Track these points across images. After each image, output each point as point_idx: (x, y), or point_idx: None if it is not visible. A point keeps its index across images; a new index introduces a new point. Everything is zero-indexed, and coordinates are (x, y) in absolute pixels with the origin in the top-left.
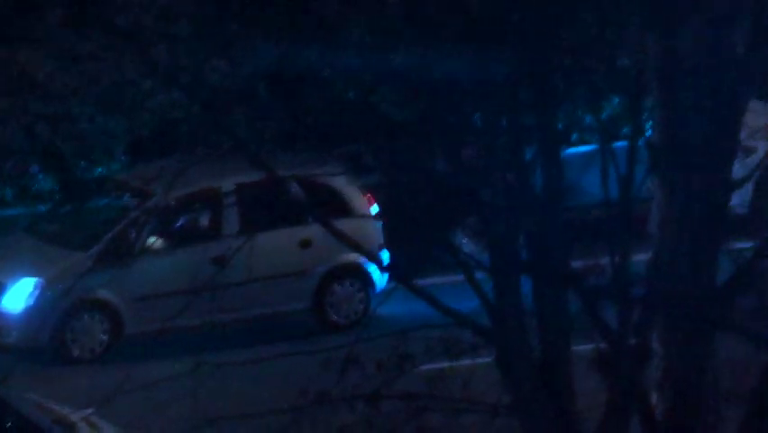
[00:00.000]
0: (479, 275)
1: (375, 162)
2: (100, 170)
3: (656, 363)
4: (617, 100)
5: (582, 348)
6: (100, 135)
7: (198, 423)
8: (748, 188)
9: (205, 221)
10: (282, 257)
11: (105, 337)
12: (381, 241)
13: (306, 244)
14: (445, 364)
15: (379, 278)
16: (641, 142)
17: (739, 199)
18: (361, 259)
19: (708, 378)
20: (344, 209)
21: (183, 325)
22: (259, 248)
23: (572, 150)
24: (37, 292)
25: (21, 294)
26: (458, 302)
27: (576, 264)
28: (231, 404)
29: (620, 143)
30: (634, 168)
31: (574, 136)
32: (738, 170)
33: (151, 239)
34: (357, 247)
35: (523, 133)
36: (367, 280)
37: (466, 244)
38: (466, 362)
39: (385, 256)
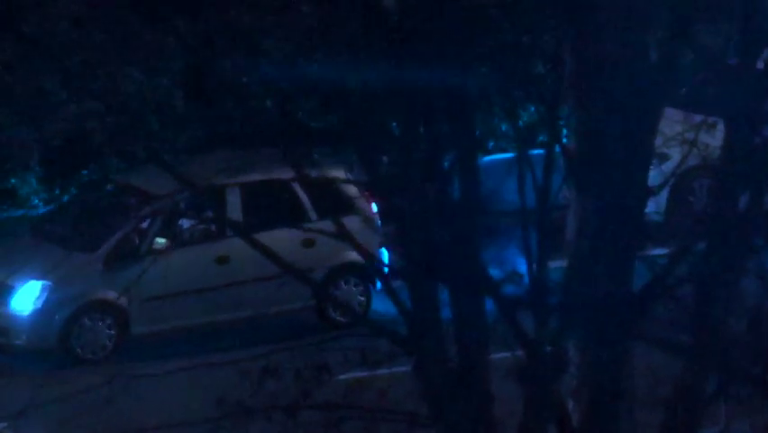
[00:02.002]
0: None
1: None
2: (14, 181)
3: (573, 370)
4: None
5: (500, 356)
6: (13, 146)
7: None
8: (664, 195)
9: (209, 221)
10: (285, 256)
11: (111, 338)
12: (380, 240)
13: (309, 243)
14: (363, 374)
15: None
16: (557, 150)
17: (655, 206)
18: None
19: (623, 385)
20: (347, 208)
21: (189, 324)
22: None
23: (490, 157)
24: (45, 295)
25: (29, 296)
26: None
27: (494, 272)
28: (148, 415)
29: (537, 151)
30: (550, 175)
31: (491, 144)
32: (654, 177)
33: (158, 240)
34: (358, 247)
35: (440, 140)
36: (368, 278)
37: (384, 251)
38: (384, 371)
39: (384, 255)
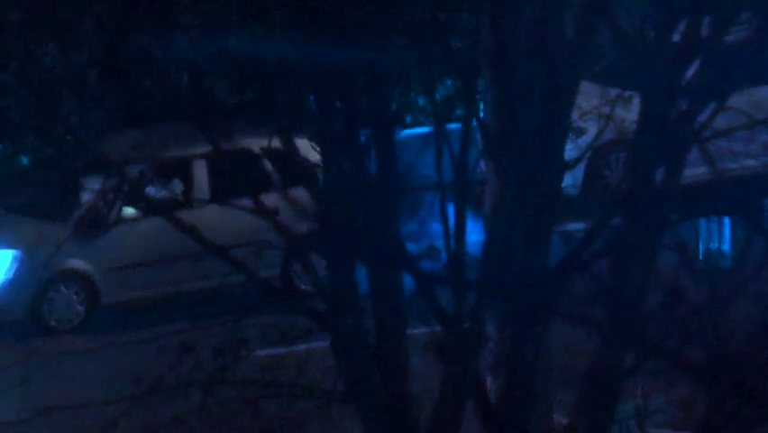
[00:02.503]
0: None
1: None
2: None
3: (491, 346)
4: (450, 82)
5: (417, 332)
6: None
7: (30, 414)
8: (580, 170)
9: (176, 190)
10: (251, 226)
11: (81, 308)
12: None
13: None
14: (281, 350)
15: None
16: (474, 124)
17: (571, 181)
18: None
19: (541, 362)
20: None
21: (158, 294)
22: (229, 217)
23: (407, 132)
24: (16, 264)
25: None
26: None
27: (411, 247)
28: (64, 394)
29: (454, 125)
30: (468, 150)
31: (408, 118)
32: (570, 151)
33: (126, 209)
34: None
35: (357, 115)
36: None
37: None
38: (302, 347)
39: None
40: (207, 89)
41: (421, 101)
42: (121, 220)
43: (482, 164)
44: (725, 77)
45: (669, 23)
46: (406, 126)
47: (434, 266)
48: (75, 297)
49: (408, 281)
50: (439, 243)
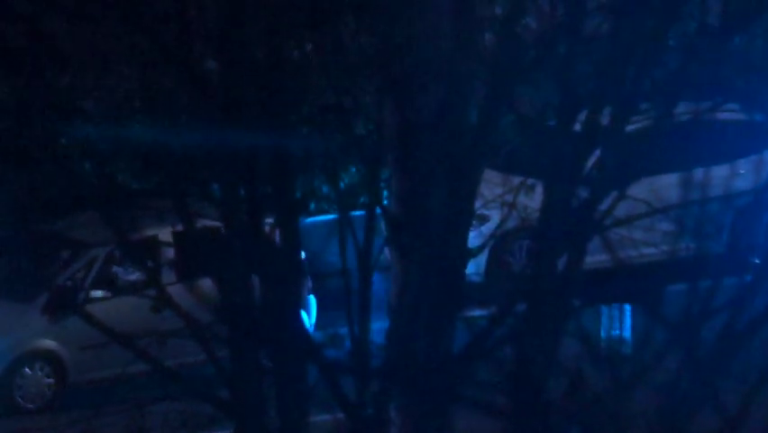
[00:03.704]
0: None
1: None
2: None
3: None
4: (354, 169)
5: (320, 419)
6: None
7: None
8: (483, 257)
9: (146, 269)
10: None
11: (50, 387)
12: (309, 286)
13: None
14: None
15: (309, 321)
16: (378, 211)
17: (475, 268)
18: None
19: None
20: None
21: (125, 373)
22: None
23: (312, 219)
24: None
25: None
26: None
27: (315, 334)
28: None
29: (358, 213)
30: (372, 237)
31: (312, 206)
32: (473, 238)
33: (94, 289)
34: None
35: (260, 202)
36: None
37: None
38: None
39: (312, 301)
40: (110, 175)
41: (325, 188)
42: (89, 300)
43: (386, 251)
44: (625, 165)
45: (570, 112)
46: (310, 214)
47: (337, 353)
48: (44, 376)
49: (312, 368)
50: (343, 330)
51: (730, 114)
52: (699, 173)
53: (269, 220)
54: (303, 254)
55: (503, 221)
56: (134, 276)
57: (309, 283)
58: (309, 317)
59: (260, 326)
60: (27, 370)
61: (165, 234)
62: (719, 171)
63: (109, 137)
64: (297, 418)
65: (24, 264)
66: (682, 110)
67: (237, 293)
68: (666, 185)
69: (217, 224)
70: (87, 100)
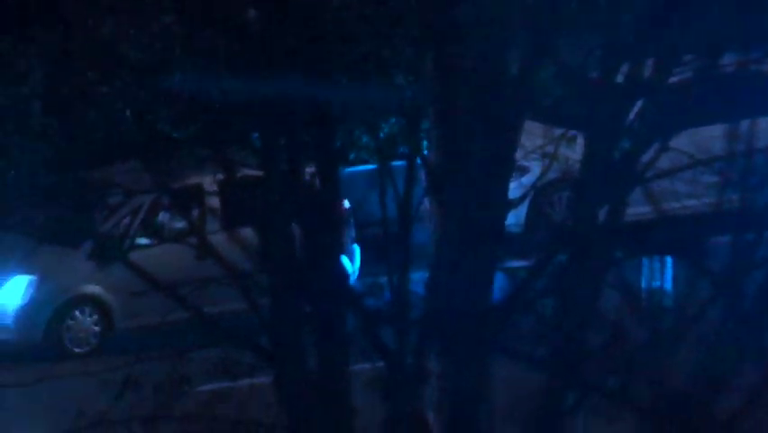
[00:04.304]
0: None
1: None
2: None
3: (434, 383)
4: (393, 120)
5: (360, 367)
6: None
7: None
8: (523, 208)
9: (190, 217)
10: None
11: (97, 332)
12: (353, 235)
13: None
14: (224, 385)
15: (352, 270)
16: (418, 162)
17: (515, 219)
18: None
19: (484, 398)
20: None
21: (172, 319)
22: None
23: (352, 169)
24: (31, 289)
25: (15, 291)
26: None
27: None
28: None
29: (398, 163)
30: (412, 187)
31: (352, 155)
32: (514, 189)
33: (140, 235)
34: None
35: (301, 151)
36: None
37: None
38: (245, 382)
39: (357, 250)
40: (151, 124)
41: (365, 138)
42: (135, 246)
43: (426, 202)
44: (667, 117)
45: (612, 63)
46: (351, 163)
47: (377, 303)
48: (91, 322)
49: (352, 317)
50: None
51: None
52: (743, 125)
53: (310, 169)
54: (347, 203)
55: (544, 172)
56: (180, 224)
57: (353, 232)
58: (353, 266)
59: (301, 274)
60: (77, 313)
61: (210, 182)
62: (764, 123)
63: (150, 86)
64: (336, 366)
65: (71, 210)
66: (726, 61)
67: (278, 242)
68: (709, 137)
69: (258, 172)
70: (128, 49)
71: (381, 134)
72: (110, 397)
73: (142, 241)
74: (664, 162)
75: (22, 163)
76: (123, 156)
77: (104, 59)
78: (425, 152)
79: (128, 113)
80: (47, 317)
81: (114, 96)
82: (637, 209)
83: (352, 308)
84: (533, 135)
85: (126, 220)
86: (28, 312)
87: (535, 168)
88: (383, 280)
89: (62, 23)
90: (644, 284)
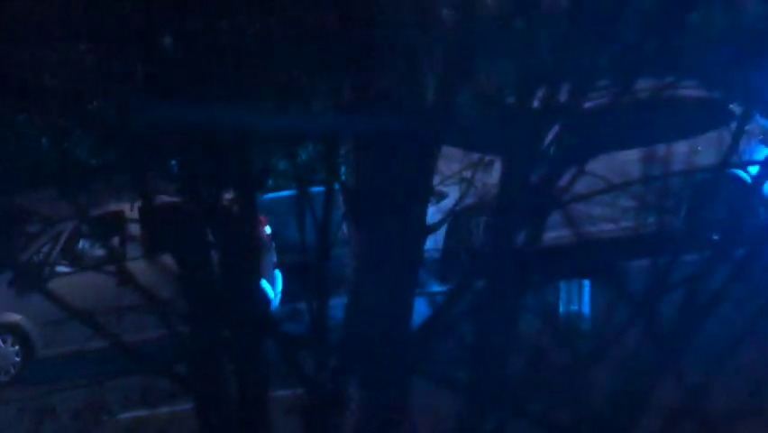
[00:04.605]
0: None
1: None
2: None
3: (353, 408)
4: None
5: (281, 394)
6: None
7: None
8: (441, 233)
9: (111, 244)
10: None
11: (17, 361)
12: (275, 260)
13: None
14: (144, 413)
15: (274, 295)
16: (336, 187)
17: (433, 244)
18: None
19: (405, 423)
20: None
21: (91, 348)
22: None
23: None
24: None
25: None
26: None
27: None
28: None
29: (317, 188)
30: (330, 213)
31: (270, 182)
32: (432, 214)
33: (60, 263)
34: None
35: (218, 178)
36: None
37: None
38: (165, 409)
39: (278, 276)
40: (68, 151)
41: (282, 165)
42: (55, 274)
43: (345, 227)
44: (583, 142)
45: (530, 88)
46: (270, 189)
47: (297, 328)
48: (11, 350)
49: (271, 344)
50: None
51: (689, 90)
52: (657, 150)
53: (228, 196)
54: (269, 229)
55: (462, 197)
56: (100, 251)
57: (274, 258)
58: (275, 291)
59: (220, 300)
60: None
61: (130, 209)
62: (678, 148)
63: (66, 113)
64: (256, 393)
65: None
66: (641, 86)
67: (197, 268)
68: (625, 161)
69: (177, 199)
70: (44, 77)
71: (299, 160)
72: (29, 426)
73: (63, 269)
74: (581, 187)
75: None
76: (41, 184)
77: (19, 87)
78: (343, 178)
79: (45, 141)
80: None
81: (30, 124)
82: (555, 233)
83: (272, 333)
84: (450, 160)
85: (46, 248)
86: None
87: (453, 193)
88: (303, 305)
89: None
90: (561, 308)
